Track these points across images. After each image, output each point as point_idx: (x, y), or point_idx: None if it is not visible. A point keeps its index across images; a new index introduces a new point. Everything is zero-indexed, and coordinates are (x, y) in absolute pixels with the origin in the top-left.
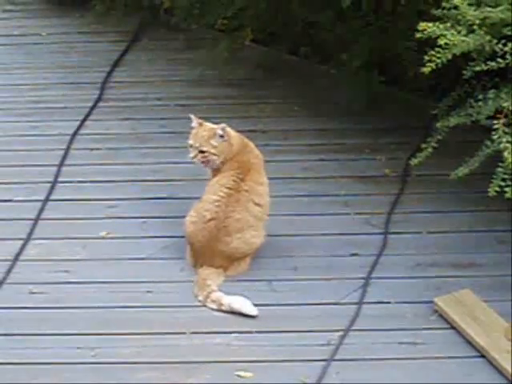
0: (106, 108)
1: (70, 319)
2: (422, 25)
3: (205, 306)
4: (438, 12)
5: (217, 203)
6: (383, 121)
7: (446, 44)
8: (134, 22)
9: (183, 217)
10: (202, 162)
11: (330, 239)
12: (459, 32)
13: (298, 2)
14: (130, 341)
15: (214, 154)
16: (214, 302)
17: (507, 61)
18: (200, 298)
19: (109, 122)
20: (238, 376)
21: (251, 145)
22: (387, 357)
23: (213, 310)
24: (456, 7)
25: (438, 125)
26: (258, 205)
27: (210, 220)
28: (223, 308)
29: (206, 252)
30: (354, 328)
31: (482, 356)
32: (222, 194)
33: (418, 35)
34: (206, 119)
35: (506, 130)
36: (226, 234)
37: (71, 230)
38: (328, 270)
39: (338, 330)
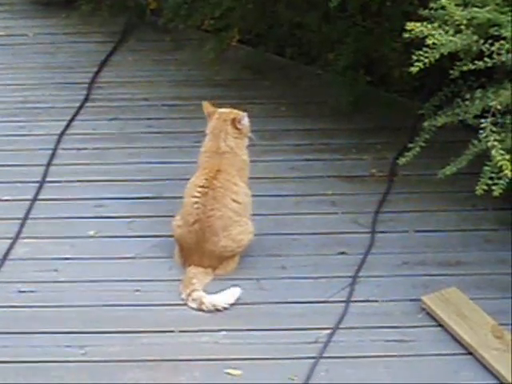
0: (93, 108)
1: (58, 318)
2: (410, 25)
3: (186, 304)
4: (425, 12)
5: (195, 205)
6: (369, 121)
7: (433, 44)
8: (120, 22)
9: (170, 216)
10: None
11: (317, 238)
12: (447, 32)
13: (285, 4)
14: (118, 339)
15: None
16: (194, 300)
17: (494, 60)
18: (183, 295)
19: (96, 122)
20: (227, 374)
21: (231, 152)
22: (375, 354)
23: (193, 309)
24: (443, 7)
25: (426, 124)
26: (235, 201)
27: (193, 223)
28: (204, 307)
29: (196, 253)
30: (341, 326)
31: (469, 353)
32: (196, 193)
33: (406, 35)
34: (193, 120)
35: (494, 128)
36: (212, 234)
37: (59, 230)
38: (316, 269)
39: (325, 328)
